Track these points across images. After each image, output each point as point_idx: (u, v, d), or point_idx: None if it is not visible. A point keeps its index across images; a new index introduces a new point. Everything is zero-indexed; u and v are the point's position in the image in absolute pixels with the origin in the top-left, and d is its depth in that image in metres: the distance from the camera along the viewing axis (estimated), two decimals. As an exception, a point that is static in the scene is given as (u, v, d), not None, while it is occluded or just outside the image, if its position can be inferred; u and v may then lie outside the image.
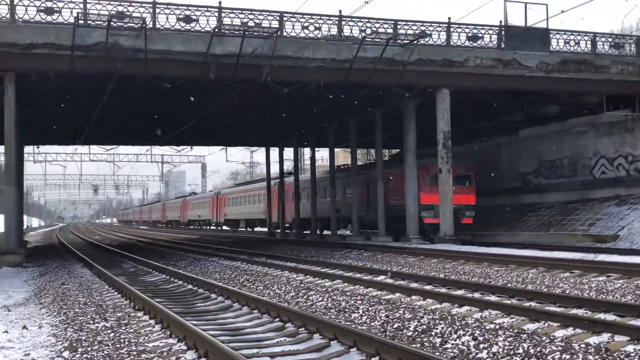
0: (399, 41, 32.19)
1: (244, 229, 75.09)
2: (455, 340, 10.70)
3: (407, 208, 37.18)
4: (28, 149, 65.16)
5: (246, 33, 29.07)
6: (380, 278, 20.24)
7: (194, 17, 29.11)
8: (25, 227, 47.24)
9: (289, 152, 64.43)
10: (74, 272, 24.56)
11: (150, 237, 61.03)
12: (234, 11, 29.68)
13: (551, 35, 35.42)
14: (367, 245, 35.08)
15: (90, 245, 47.58)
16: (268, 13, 30.19)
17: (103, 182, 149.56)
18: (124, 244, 47.10)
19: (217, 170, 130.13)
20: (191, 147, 61.66)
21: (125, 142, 58.91)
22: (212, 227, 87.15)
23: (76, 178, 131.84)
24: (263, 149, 64.60)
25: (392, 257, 28.46)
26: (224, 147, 71.89)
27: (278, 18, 30.50)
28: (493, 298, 15.45)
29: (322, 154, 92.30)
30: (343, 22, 31.83)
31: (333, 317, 13.18)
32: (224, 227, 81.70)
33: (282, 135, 53.38)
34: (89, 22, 27.69)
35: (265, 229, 64.49)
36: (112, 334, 11.65)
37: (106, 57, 28.01)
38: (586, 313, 13.07)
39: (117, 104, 35.91)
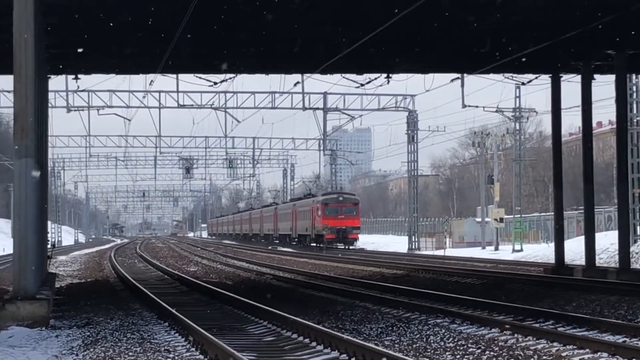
0: None
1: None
2: None
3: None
4: (57, 82, 41.03)
5: None
6: None
7: None
8: (50, 245, 26.69)
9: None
10: (152, 340, 13.89)
11: (300, 270, 32.54)
12: None
13: None
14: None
15: (178, 285, 26.60)
16: None
17: (205, 151, 76.28)
18: (245, 284, 26.61)
19: (442, 126, 62.87)
20: (388, 77, 31.16)
21: (249, 65, 28.37)
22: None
23: (150, 142, 67.79)
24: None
25: None
26: (458, 74, 35.14)
27: None
28: None
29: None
30: None
31: None
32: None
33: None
34: None
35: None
36: None
37: None
38: None
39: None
